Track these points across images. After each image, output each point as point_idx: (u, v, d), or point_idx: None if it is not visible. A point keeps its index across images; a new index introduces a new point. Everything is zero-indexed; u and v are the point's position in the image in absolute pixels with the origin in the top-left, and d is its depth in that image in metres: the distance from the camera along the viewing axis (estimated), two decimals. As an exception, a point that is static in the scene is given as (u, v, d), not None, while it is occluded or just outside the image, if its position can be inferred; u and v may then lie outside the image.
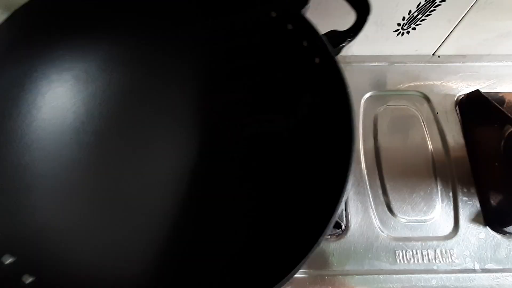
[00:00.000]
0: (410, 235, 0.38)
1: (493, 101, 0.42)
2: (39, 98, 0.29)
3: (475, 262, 0.37)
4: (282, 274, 0.21)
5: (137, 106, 0.34)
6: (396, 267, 0.37)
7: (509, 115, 0.40)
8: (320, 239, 0.21)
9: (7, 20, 0.25)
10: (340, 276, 0.36)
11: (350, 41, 0.28)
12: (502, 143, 0.41)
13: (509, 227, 0.37)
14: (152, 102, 0.35)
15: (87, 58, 0.31)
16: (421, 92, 0.45)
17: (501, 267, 0.37)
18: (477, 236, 0.38)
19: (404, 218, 0.39)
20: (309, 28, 0.28)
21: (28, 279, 0.23)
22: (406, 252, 0.37)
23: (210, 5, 0.33)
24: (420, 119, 0.44)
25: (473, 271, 0.37)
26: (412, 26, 0.41)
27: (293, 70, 0.32)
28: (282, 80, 0.34)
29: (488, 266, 0.37)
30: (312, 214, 0.24)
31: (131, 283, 0.28)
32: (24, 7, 0.25)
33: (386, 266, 0.37)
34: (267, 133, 0.35)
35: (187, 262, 0.30)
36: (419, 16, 0.39)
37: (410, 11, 0.39)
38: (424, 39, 0.43)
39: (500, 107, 0.41)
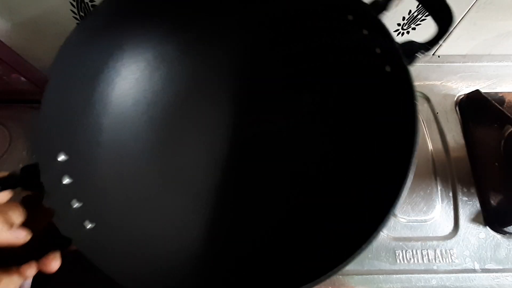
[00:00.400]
0: (410, 235, 0.38)
1: (493, 101, 0.42)
2: (116, 79, 0.32)
3: (475, 262, 0.37)
4: (332, 264, 0.22)
5: (191, 93, 0.36)
6: (396, 267, 0.37)
7: (509, 115, 0.40)
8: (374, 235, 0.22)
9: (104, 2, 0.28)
10: (340, 276, 0.36)
11: (424, 53, 0.27)
12: (502, 143, 0.41)
13: (509, 227, 0.37)
14: (202, 93, 0.37)
15: (154, 50, 0.34)
16: (421, 92, 0.45)
17: (501, 267, 0.37)
18: (477, 236, 0.38)
19: (404, 218, 0.39)
20: (385, 35, 0.27)
21: (88, 225, 0.26)
22: (406, 252, 0.37)
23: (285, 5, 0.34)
24: (420, 119, 0.44)
25: (473, 271, 0.37)
26: (412, 26, 0.41)
27: (361, 75, 0.32)
28: (347, 84, 0.34)
29: (488, 266, 0.37)
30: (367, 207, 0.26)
31: (178, 250, 0.31)
32: None
33: (386, 266, 0.37)
34: (328, 133, 0.35)
35: (231, 240, 0.32)
36: (419, 16, 0.39)
37: (410, 11, 0.39)
38: (424, 39, 0.43)
39: (500, 107, 0.41)
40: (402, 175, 0.24)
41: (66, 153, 0.27)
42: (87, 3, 0.34)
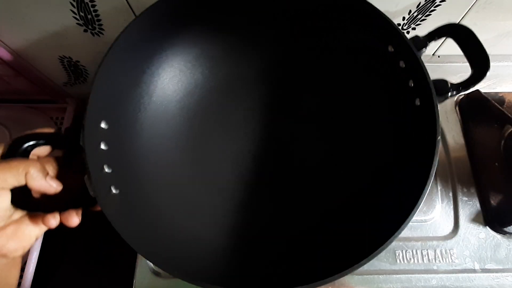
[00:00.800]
0: (410, 235, 0.38)
1: (493, 101, 0.42)
2: (162, 66, 0.36)
3: (475, 262, 0.37)
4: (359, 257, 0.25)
5: (222, 95, 0.39)
6: (396, 267, 0.37)
7: (509, 115, 0.40)
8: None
9: (153, 6, 0.31)
10: (340, 276, 0.36)
11: (456, 94, 0.29)
12: (502, 143, 0.41)
13: (509, 227, 0.37)
14: (236, 91, 0.40)
15: (190, 54, 0.37)
16: (421, 92, 0.45)
17: (501, 267, 0.37)
18: (477, 236, 0.38)
19: (404, 218, 0.39)
20: (420, 70, 0.28)
21: (114, 191, 0.29)
22: (406, 252, 0.37)
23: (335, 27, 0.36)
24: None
25: (473, 271, 0.37)
26: (412, 26, 0.41)
27: (392, 104, 0.34)
28: (373, 109, 0.36)
29: (488, 266, 0.37)
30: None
31: (195, 236, 0.33)
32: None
33: (386, 266, 0.37)
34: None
35: (260, 236, 0.35)
36: (419, 16, 0.39)
37: (410, 11, 0.39)
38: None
39: (500, 107, 0.41)
40: (420, 188, 0.27)
41: (107, 122, 0.30)
42: (87, 3, 0.34)
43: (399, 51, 0.31)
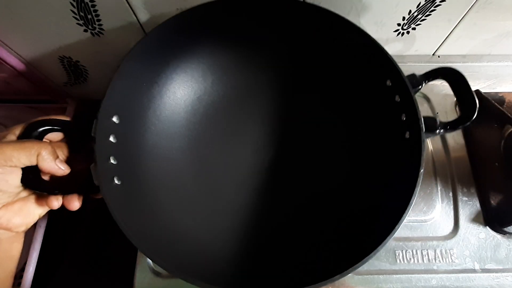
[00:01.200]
0: (410, 235, 0.38)
1: (493, 101, 0.42)
2: (176, 71, 0.38)
3: (475, 262, 0.37)
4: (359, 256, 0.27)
5: (229, 102, 0.41)
6: (396, 267, 0.37)
7: (509, 115, 0.40)
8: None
9: (174, 17, 0.33)
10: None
11: (444, 133, 0.31)
12: (502, 143, 0.41)
13: (509, 227, 0.37)
14: (240, 102, 0.41)
15: (202, 62, 0.40)
16: (421, 92, 0.45)
17: (501, 267, 0.37)
18: (477, 236, 0.38)
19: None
20: (413, 107, 0.31)
21: (117, 181, 0.30)
22: (406, 252, 0.37)
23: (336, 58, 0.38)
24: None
25: (473, 271, 0.37)
26: (412, 26, 0.41)
27: (384, 132, 0.36)
28: (368, 132, 0.38)
29: (488, 266, 0.37)
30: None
31: (194, 236, 0.34)
32: (175, 17, 0.33)
33: (386, 266, 0.37)
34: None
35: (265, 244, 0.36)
36: (419, 16, 0.39)
37: (410, 11, 0.38)
38: (424, 39, 0.43)
39: (500, 107, 0.41)
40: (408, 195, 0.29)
41: (119, 117, 0.32)
42: (87, 3, 0.34)
43: (396, 86, 0.33)
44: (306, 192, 0.38)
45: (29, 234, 0.41)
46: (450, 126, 0.31)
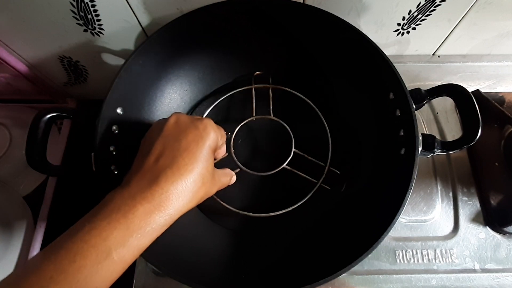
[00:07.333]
0: (410, 235, 0.38)
1: (493, 101, 0.42)
2: (171, 82, 0.40)
3: (475, 262, 0.37)
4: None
5: (231, 105, 0.43)
6: (396, 267, 0.37)
7: (509, 115, 0.40)
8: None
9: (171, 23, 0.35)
10: (340, 276, 0.36)
11: (441, 153, 0.31)
12: (502, 143, 0.41)
13: (509, 227, 0.37)
14: (234, 105, 0.43)
15: (196, 70, 0.41)
16: (421, 92, 0.45)
17: (501, 267, 0.37)
18: (477, 236, 0.38)
19: (404, 218, 0.39)
20: (411, 124, 0.31)
21: (114, 170, 0.32)
22: (406, 252, 0.37)
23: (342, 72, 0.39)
24: (420, 119, 0.44)
25: (473, 271, 0.37)
26: (412, 26, 0.41)
27: (380, 144, 0.37)
28: (366, 142, 0.39)
29: (488, 266, 0.37)
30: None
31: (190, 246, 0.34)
32: (175, 21, 0.35)
33: (386, 266, 0.37)
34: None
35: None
36: (419, 16, 0.39)
37: (410, 11, 0.38)
38: (424, 39, 0.43)
39: (500, 107, 0.41)
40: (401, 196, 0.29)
41: (123, 109, 0.34)
42: (87, 3, 0.34)
43: (398, 100, 0.33)
44: (302, 197, 0.37)
45: (29, 234, 0.41)
46: (449, 146, 0.31)
